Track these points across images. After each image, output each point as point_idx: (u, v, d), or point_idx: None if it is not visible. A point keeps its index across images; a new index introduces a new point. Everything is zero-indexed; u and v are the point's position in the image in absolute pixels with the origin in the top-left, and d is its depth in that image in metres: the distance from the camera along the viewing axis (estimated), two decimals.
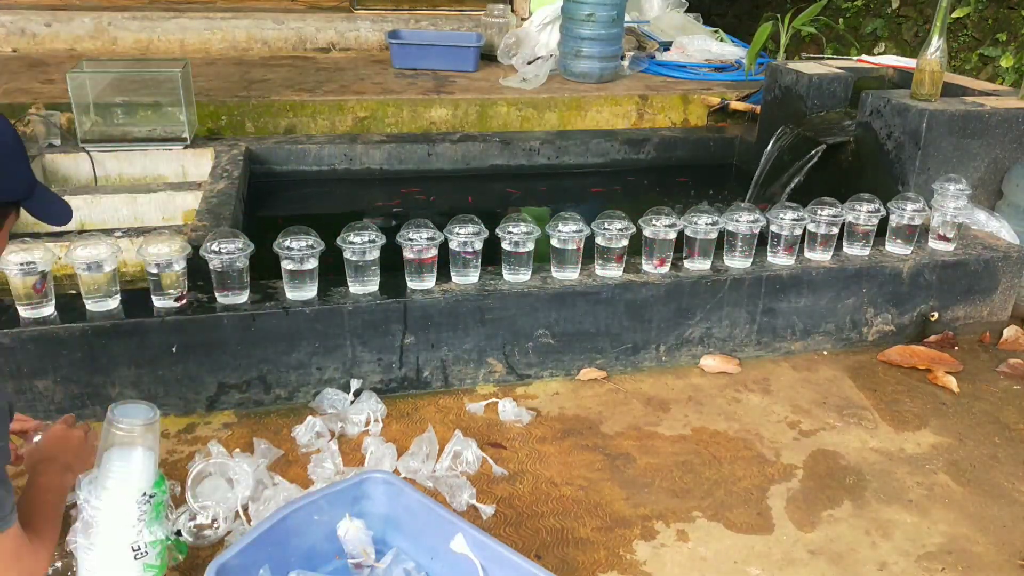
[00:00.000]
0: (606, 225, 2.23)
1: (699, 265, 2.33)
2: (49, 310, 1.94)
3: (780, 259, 2.40)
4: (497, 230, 2.19)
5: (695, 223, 2.29)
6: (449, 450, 1.89)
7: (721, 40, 5.05)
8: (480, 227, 2.16)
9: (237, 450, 1.86)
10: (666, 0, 5.48)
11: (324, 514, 1.52)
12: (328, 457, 1.85)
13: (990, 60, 4.18)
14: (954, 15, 4.33)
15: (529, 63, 4.57)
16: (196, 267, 2.03)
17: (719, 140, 3.99)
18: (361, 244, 2.07)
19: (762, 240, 2.39)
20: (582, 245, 2.22)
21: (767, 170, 3.26)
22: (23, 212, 1.35)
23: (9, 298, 1.94)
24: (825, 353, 2.49)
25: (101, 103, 3.27)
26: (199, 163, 3.23)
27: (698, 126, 4.21)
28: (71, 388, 1.96)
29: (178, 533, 1.58)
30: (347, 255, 2.08)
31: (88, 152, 3.12)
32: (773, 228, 2.38)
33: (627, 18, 4.66)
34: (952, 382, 2.32)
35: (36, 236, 2.32)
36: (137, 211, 2.88)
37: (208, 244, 2.00)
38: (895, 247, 2.51)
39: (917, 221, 2.47)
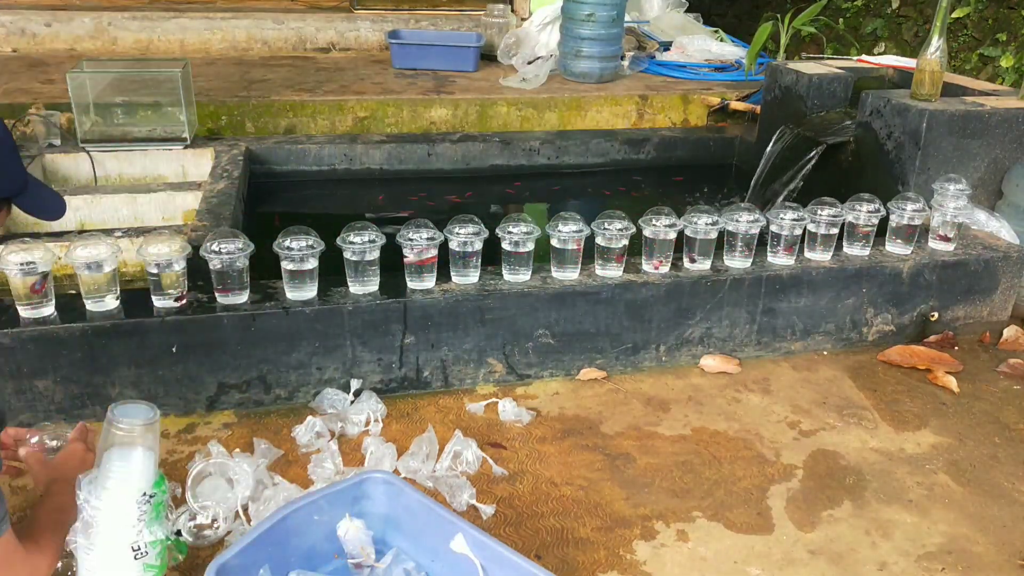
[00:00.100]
0: (606, 225, 2.23)
1: (699, 265, 2.33)
2: (49, 310, 1.94)
3: (780, 259, 2.40)
4: (497, 230, 2.19)
5: (695, 223, 2.29)
6: (449, 450, 1.89)
7: (721, 40, 5.05)
8: (480, 227, 2.16)
9: (237, 450, 1.86)
10: (666, 0, 5.48)
11: (324, 514, 1.52)
12: (328, 457, 1.85)
13: (990, 60, 4.18)
14: (954, 15, 4.33)
15: (529, 63, 4.57)
16: (196, 267, 2.03)
17: (719, 140, 3.99)
18: (361, 244, 2.07)
19: (762, 240, 2.39)
20: (582, 245, 2.22)
21: (767, 170, 3.25)
22: (23, 213, 1.35)
23: (9, 298, 1.94)
24: (825, 353, 2.49)
25: (101, 103, 3.27)
26: (199, 163, 3.23)
27: (698, 126, 4.21)
28: (71, 388, 1.96)
29: (178, 533, 1.58)
30: (347, 255, 2.08)
31: (88, 152, 3.11)
32: (773, 228, 2.38)
33: (627, 18, 4.66)
34: (952, 382, 2.32)
35: (36, 236, 2.32)
36: (137, 211, 2.88)
37: (208, 244, 2.00)
38: (895, 247, 2.51)
39: (917, 221, 2.47)
